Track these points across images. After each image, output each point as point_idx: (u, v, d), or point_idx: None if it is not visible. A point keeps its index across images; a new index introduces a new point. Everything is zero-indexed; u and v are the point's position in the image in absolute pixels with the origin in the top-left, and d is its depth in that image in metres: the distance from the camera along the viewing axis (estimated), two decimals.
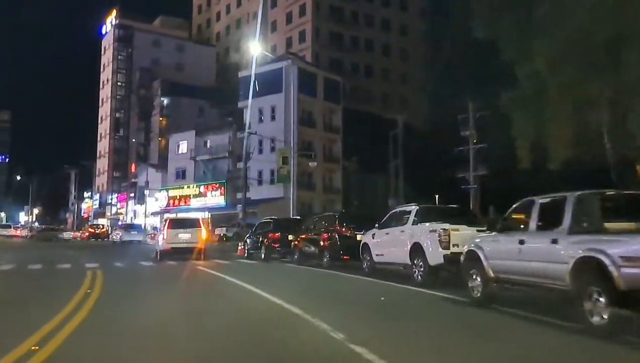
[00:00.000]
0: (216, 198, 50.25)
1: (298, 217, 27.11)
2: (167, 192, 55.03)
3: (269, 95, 48.46)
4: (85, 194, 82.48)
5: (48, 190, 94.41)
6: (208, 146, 53.53)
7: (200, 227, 21.98)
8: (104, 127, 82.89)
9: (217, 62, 76.21)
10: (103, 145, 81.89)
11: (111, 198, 71.23)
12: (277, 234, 18.25)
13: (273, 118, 48.70)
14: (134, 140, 68.22)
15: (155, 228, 54.43)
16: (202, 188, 51.56)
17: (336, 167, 51.07)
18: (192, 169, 54.57)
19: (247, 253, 20.64)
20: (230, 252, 28.25)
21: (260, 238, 19.25)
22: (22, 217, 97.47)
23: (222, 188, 49.98)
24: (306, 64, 50.05)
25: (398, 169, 35.15)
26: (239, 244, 26.39)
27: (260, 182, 48.60)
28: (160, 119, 67.28)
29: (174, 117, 65.73)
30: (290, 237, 17.57)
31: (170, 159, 57.00)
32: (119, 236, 42.18)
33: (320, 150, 50.05)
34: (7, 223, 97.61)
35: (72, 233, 56.89)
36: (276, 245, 18.16)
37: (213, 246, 38.68)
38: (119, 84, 73.28)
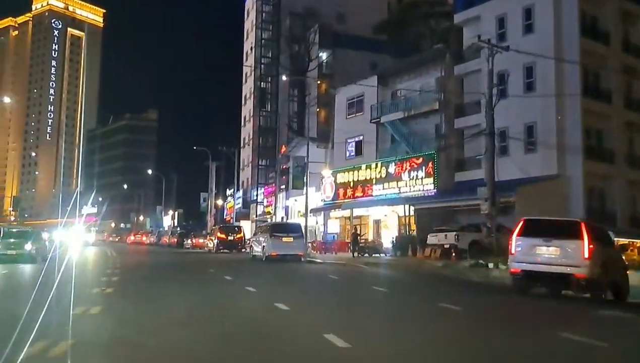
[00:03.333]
0: (418, 182, 29.25)
1: None
2: (335, 177, 35.30)
3: None
4: (228, 192, 66.88)
5: (189, 190, 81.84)
6: (400, 99, 32.83)
7: (583, 237, 10.38)
8: (247, 108, 66.94)
9: (389, 11, 56.11)
10: (247, 131, 65.80)
11: (256, 195, 54.01)
12: None
13: (528, 29, 26.39)
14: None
15: (334, 235, 34.95)
16: (392, 168, 30.88)
17: None
18: (372, 139, 34.28)
19: None
20: None
21: None
22: (166, 221, 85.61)
23: (430, 164, 28.81)
24: None
25: None
26: None
27: (504, 150, 26.64)
28: (319, 81, 48.42)
29: (338, 77, 46.43)
30: None
31: (339, 126, 37.24)
32: (261, 247, 22.73)
33: (619, 88, 26.78)
34: (149, 228, 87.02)
35: (193, 240, 40.06)
36: None
37: (433, 269, 18.65)
38: (263, 40, 55.99)
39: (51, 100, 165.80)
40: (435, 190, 28.28)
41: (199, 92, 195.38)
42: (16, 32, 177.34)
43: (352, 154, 35.99)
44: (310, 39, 48.93)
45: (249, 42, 66.41)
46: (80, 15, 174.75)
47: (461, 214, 27.16)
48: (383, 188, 31.28)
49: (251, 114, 64.75)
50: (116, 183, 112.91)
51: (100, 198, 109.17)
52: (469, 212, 26.26)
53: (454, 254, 22.69)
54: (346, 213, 35.14)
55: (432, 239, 24.66)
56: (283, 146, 49.57)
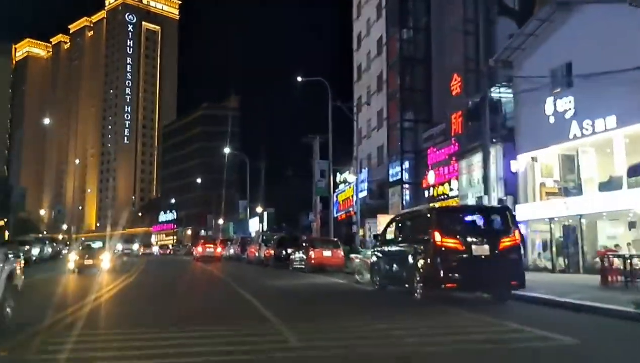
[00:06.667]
0: None
1: None
2: None
3: None
4: (339, 178, 44.50)
5: (280, 188, 61.19)
6: None
7: None
8: (362, 53, 45.10)
9: None
10: (364, 85, 43.86)
11: (400, 171, 31.72)
12: None
13: None
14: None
15: None
16: None
17: None
18: None
19: None
20: None
21: None
22: (252, 225, 64.75)
23: None
24: None
25: None
26: None
27: None
28: None
29: None
30: None
31: None
32: None
33: None
34: (232, 234, 67.24)
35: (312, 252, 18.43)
36: None
37: None
38: None
39: (127, 100, 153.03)
40: None
41: (287, 72, 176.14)
42: (91, 32, 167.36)
43: None
44: None
45: None
46: (155, 8, 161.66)
47: None
48: None
49: (371, 57, 42.85)
50: (193, 185, 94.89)
51: (173, 201, 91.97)
52: None
53: None
54: None
55: None
56: (455, 76, 26.84)
